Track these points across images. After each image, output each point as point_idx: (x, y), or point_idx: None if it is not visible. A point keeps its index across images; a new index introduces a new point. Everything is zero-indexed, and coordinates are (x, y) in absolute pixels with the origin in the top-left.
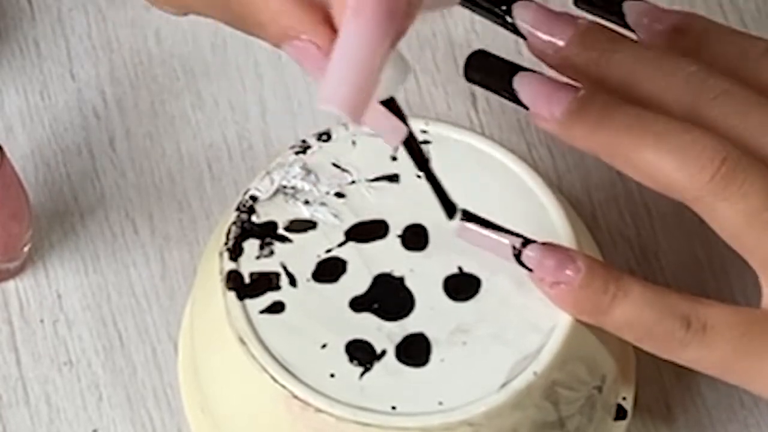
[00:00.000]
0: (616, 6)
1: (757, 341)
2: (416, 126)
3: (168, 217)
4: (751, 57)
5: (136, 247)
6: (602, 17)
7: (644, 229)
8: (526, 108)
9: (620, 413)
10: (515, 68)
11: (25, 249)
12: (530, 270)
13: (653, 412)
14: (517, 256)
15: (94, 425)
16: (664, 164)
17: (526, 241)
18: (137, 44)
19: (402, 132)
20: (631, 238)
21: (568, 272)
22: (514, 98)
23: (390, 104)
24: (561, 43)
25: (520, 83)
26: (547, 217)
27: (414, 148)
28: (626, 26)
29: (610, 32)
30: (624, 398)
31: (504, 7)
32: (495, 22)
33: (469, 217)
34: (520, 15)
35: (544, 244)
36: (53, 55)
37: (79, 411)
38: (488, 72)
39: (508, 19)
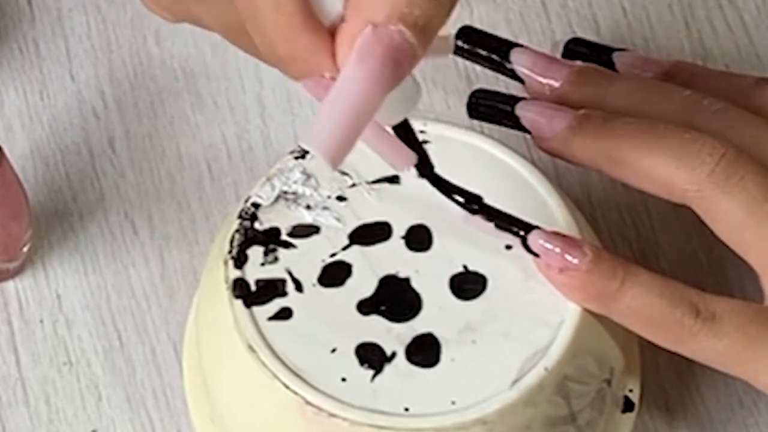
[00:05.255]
0: (605, 56)
1: (765, 330)
2: (414, 126)
3: (167, 218)
4: (743, 89)
5: (136, 248)
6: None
7: (644, 229)
8: (529, 132)
9: (627, 405)
10: (515, 98)
11: (25, 249)
12: (537, 255)
13: (652, 412)
14: (524, 241)
15: (94, 425)
16: (665, 162)
17: (531, 228)
18: (137, 45)
19: (412, 159)
20: (630, 239)
21: (575, 257)
22: (517, 125)
23: (401, 128)
24: (557, 84)
25: (521, 109)
26: (549, 213)
27: (420, 154)
28: None
29: (605, 70)
30: (630, 390)
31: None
32: (493, 69)
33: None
34: (518, 60)
35: (550, 231)
36: (53, 56)
37: (79, 411)
38: (490, 106)
39: (506, 65)
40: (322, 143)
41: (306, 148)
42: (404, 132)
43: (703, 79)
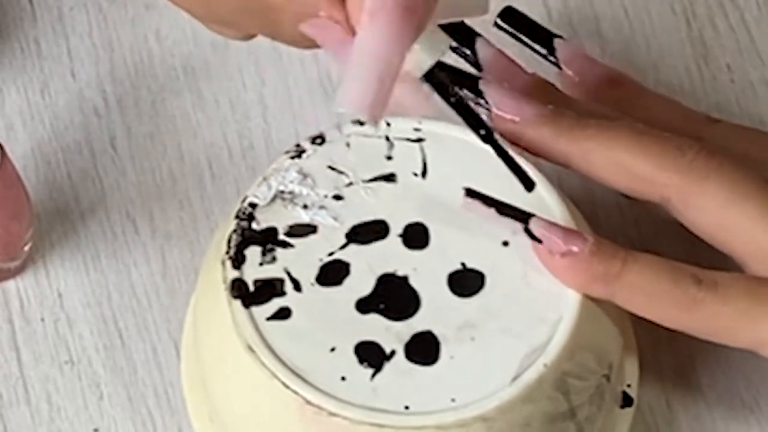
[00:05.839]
0: (543, 38)
1: (765, 290)
2: (409, 125)
3: (169, 216)
4: (693, 122)
5: (137, 246)
6: (524, 43)
7: (645, 228)
8: (488, 109)
9: (626, 401)
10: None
11: (26, 248)
12: (539, 242)
13: (654, 410)
14: (526, 227)
15: (95, 424)
16: (646, 156)
17: (531, 215)
18: (138, 43)
19: (426, 98)
20: (632, 238)
21: (577, 242)
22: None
23: (432, 75)
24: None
25: (488, 85)
26: (548, 212)
27: (473, 118)
28: (547, 59)
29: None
30: (629, 385)
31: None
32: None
33: (473, 194)
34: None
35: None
36: (54, 54)
37: (80, 410)
38: (449, 76)
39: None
40: (357, 101)
41: (342, 110)
42: (437, 79)
43: (652, 102)
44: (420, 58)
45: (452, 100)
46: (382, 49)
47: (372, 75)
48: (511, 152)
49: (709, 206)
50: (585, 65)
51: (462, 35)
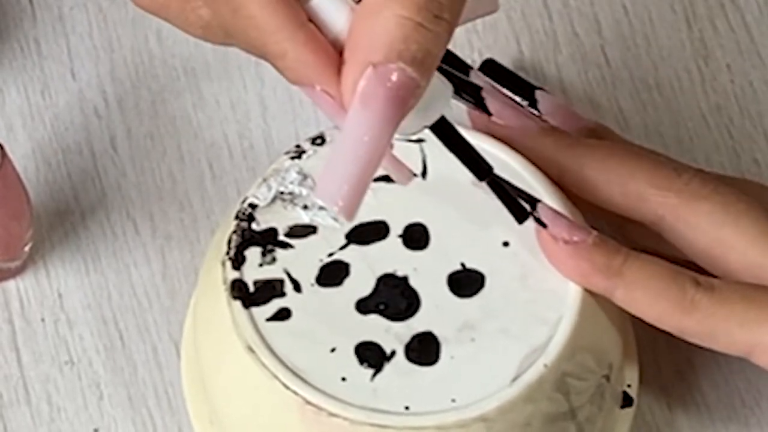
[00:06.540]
0: (524, 90)
1: (763, 292)
2: None
3: (169, 217)
4: (683, 179)
5: (137, 247)
6: (506, 88)
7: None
8: (489, 113)
9: (626, 401)
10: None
11: (26, 248)
12: (545, 226)
13: (654, 411)
14: (533, 209)
15: (95, 424)
16: (642, 174)
17: (538, 200)
18: (138, 43)
19: (411, 174)
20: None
21: (581, 233)
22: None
23: (440, 124)
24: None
25: (490, 94)
26: None
27: (471, 157)
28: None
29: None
30: (629, 385)
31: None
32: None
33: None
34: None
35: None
36: (54, 55)
37: (80, 410)
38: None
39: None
40: (336, 198)
41: (319, 202)
42: (443, 128)
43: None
44: (424, 114)
45: (454, 147)
46: (369, 140)
47: (354, 169)
48: (507, 188)
49: (705, 224)
50: (567, 117)
51: (457, 67)
